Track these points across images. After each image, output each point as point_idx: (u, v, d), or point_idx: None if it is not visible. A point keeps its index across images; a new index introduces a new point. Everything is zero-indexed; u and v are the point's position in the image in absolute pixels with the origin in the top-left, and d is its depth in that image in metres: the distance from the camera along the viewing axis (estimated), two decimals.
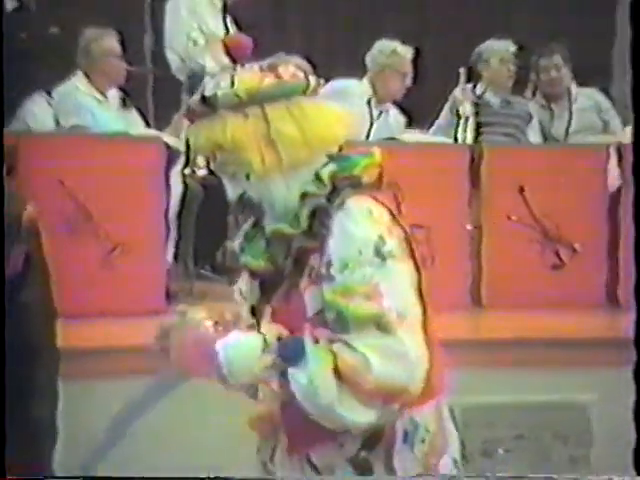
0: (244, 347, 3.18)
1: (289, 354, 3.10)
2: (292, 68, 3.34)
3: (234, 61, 3.40)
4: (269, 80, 3.27)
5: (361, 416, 3.08)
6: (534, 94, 9.29)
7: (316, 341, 3.09)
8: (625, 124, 9.15)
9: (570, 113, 9.10)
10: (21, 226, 2.75)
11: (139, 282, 7.21)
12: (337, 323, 3.09)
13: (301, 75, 3.34)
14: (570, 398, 7.00)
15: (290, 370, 3.09)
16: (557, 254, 8.00)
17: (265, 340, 3.14)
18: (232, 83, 3.28)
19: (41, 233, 2.76)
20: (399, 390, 3.08)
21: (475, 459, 6.76)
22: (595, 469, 6.99)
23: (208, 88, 3.32)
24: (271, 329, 3.19)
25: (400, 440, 3.26)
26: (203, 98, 3.28)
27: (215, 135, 3.26)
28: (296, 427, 3.23)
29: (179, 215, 8.34)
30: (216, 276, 8.17)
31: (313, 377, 3.05)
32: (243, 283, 3.45)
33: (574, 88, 9.20)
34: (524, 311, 7.49)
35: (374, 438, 3.23)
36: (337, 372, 3.04)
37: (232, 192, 3.35)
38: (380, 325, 3.06)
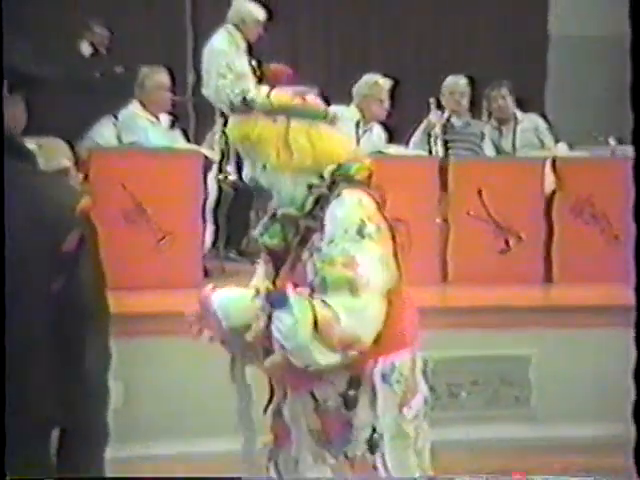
0: (237, 295, 3.31)
1: (275, 300, 3.14)
2: (318, 100, 3.43)
3: (273, 86, 3.50)
4: (298, 100, 3.35)
5: (326, 358, 3.11)
6: (489, 117, 9.32)
7: (299, 294, 3.14)
8: (557, 141, 9.21)
9: (514, 133, 9.14)
10: (75, 215, 2.73)
11: (182, 263, 7.21)
12: (320, 286, 3.14)
13: (322, 104, 3.43)
14: (514, 352, 7.00)
15: (276, 313, 3.12)
16: (506, 241, 8.00)
17: (257, 290, 3.26)
18: (268, 95, 3.36)
19: (93, 221, 2.75)
20: (356, 341, 3.11)
21: (443, 399, 6.75)
22: (533, 406, 7.02)
23: (250, 94, 3.41)
24: (263, 284, 3.32)
25: (380, 380, 3.28)
26: (244, 99, 3.38)
27: (246, 128, 3.33)
28: (297, 370, 3.23)
29: (214, 211, 8.36)
30: (239, 258, 8.21)
31: (297, 320, 3.08)
32: (261, 270, 3.47)
33: (519, 113, 9.25)
34: (480, 285, 7.49)
35: (357, 379, 3.27)
36: (314, 321, 3.07)
37: (247, 173, 3.44)
38: (352, 288, 3.09)
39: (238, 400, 3.49)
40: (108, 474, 2.89)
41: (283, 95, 3.36)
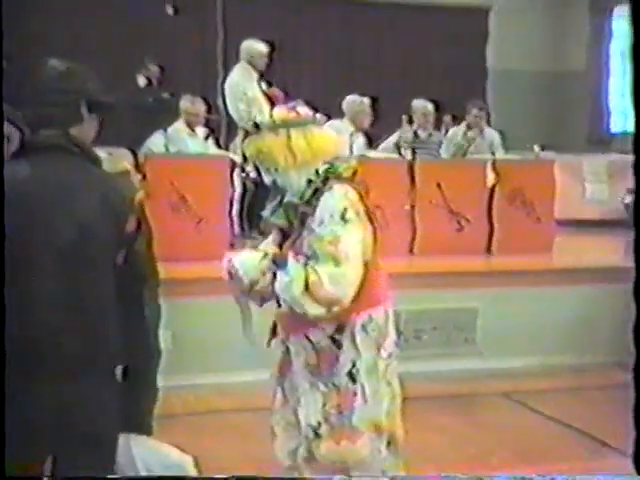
0: (251, 256, 3.31)
1: (279, 262, 3.21)
2: (306, 109, 3.42)
3: (273, 104, 3.54)
4: (293, 114, 3.35)
5: (314, 310, 3.15)
6: (468, 128, 9.27)
7: (297, 260, 3.19)
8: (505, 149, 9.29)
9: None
10: (133, 204, 2.74)
11: (215, 240, 7.15)
12: (312, 257, 3.19)
13: (311, 113, 3.43)
14: (464, 305, 7.02)
15: (278, 272, 3.19)
16: (458, 222, 7.99)
17: (265, 254, 3.27)
18: (271, 116, 3.36)
19: (145, 208, 2.76)
20: (337, 301, 3.15)
21: (410, 340, 6.74)
22: (478, 345, 7.03)
23: (257, 118, 3.45)
24: (271, 250, 3.33)
25: (359, 328, 3.31)
26: (255, 124, 3.39)
27: (258, 145, 3.34)
28: (297, 319, 3.28)
29: (240, 201, 8.35)
30: (259, 237, 8.18)
31: (292, 279, 3.15)
32: (271, 239, 3.47)
33: (487, 128, 9.29)
34: (438, 256, 7.49)
35: (341, 327, 3.29)
36: (306, 283, 3.12)
37: (267, 179, 3.45)
38: (335, 260, 3.14)
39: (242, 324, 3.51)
40: (159, 401, 2.89)
41: (282, 112, 3.38)
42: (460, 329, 7.03)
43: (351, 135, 8.43)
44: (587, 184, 11.21)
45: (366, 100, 8.64)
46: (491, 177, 8.28)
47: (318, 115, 3.49)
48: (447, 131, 9.70)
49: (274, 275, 3.20)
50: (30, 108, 2.75)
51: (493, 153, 9.08)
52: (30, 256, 2.60)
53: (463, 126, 9.35)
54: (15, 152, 2.79)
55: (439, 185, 7.93)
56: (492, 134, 9.29)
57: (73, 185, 2.68)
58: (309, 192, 3.30)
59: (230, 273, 3.34)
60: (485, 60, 13.69)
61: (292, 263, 3.18)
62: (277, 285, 3.18)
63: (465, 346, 7.01)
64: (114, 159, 6.88)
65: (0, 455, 2.55)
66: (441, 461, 4.92)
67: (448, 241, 7.79)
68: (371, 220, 3.31)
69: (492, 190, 8.22)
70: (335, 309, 3.16)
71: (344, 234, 3.17)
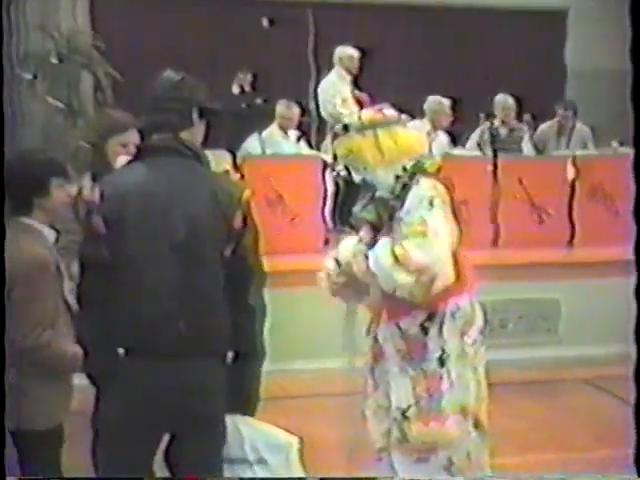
0: (349, 240, 3.47)
1: (370, 244, 3.30)
2: (392, 110, 3.47)
3: (361, 106, 3.60)
4: (379, 115, 3.40)
5: (404, 279, 3.16)
6: (559, 125, 9.24)
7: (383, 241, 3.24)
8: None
9: (569, 137, 9.14)
10: (241, 202, 2.81)
11: (309, 235, 7.25)
12: (401, 238, 3.22)
13: (396, 114, 3.47)
14: (548, 296, 7.00)
15: (370, 253, 3.25)
16: (540, 216, 7.89)
17: (361, 239, 3.36)
18: (359, 118, 3.42)
19: (251, 205, 2.83)
20: (426, 268, 3.15)
21: (495, 329, 6.70)
22: (560, 333, 6.97)
23: (346, 120, 3.49)
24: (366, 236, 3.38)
25: (449, 316, 3.33)
26: (344, 125, 3.44)
27: (348, 146, 3.40)
28: (390, 308, 3.34)
29: (332, 198, 8.39)
30: (351, 231, 8.18)
31: (381, 253, 3.20)
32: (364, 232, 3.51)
33: (579, 124, 9.23)
34: (522, 248, 7.41)
35: (432, 315, 3.32)
36: (395, 256, 3.15)
37: (356, 177, 3.51)
38: (423, 234, 3.17)
39: (345, 328, 3.58)
40: (263, 384, 2.95)
41: (369, 113, 3.44)
42: (543, 319, 6.98)
43: (429, 134, 8.40)
44: None
45: (445, 100, 8.61)
46: (571, 172, 8.16)
47: (403, 116, 3.52)
48: (529, 128, 9.54)
49: (367, 258, 3.27)
50: (146, 115, 2.86)
51: (585, 145, 8.99)
52: (149, 250, 2.70)
53: (554, 124, 9.26)
54: (133, 155, 2.90)
55: (521, 181, 7.85)
56: (583, 130, 9.19)
57: (185, 184, 2.77)
58: (398, 187, 3.33)
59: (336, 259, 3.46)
60: (564, 59, 13.46)
61: (380, 241, 3.26)
62: (370, 261, 3.24)
63: (548, 335, 6.96)
64: (215, 160, 6.99)
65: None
66: (524, 444, 4.89)
67: (531, 234, 7.69)
68: (456, 212, 3.32)
69: (572, 185, 8.10)
70: (424, 279, 3.16)
71: (431, 218, 3.21)
